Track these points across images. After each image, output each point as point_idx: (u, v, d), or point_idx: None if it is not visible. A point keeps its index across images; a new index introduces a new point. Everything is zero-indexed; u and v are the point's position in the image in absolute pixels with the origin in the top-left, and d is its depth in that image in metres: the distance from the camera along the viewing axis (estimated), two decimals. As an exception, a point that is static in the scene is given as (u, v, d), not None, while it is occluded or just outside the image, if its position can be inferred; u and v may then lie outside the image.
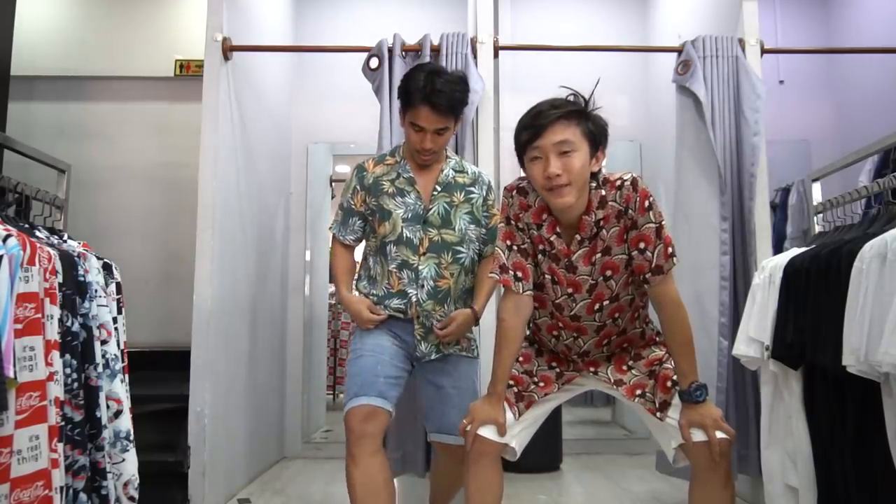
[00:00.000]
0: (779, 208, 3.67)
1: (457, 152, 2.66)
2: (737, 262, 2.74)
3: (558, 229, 1.63)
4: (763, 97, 2.76)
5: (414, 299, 2.01)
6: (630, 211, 1.58)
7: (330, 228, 2.21)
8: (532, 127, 1.54)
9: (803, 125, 4.12)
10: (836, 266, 1.79)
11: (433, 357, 2.05)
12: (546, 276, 1.65)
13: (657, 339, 1.78)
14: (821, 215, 2.62)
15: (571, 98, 1.57)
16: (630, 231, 1.59)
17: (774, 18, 4.17)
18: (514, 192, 1.70)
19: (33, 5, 3.89)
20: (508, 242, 1.68)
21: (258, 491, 3.10)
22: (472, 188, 2.09)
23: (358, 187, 2.11)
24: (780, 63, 4.13)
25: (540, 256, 1.67)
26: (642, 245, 1.59)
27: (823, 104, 4.18)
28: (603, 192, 1.60)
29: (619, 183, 1.59)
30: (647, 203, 1.57)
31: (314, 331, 4.25)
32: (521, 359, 1.77)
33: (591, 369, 1.74)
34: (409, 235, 2.02)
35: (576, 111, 1.55)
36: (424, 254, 2.02)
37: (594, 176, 1.60)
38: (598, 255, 1.61)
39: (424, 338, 2.04)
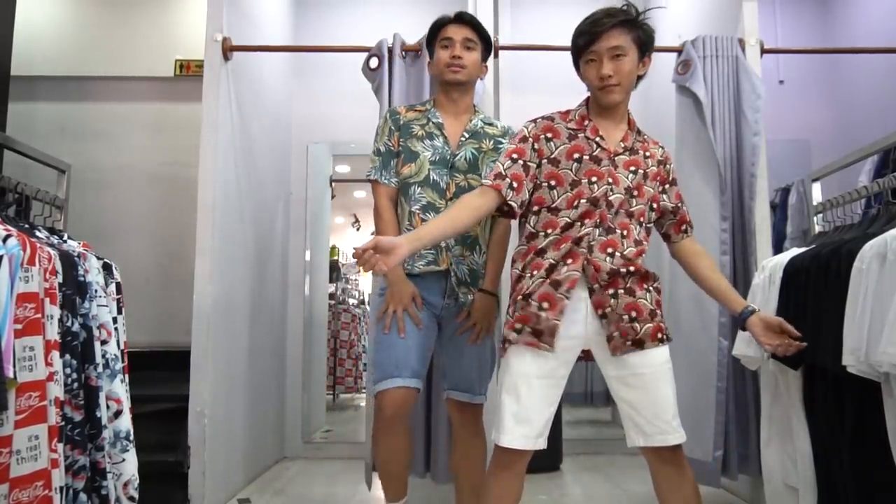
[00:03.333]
0: (779, 208, 3.66)
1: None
2: (737, 262, 2.74)
3: (601, 133, 1.76)
4: (763, 97, 2.75)
5: (443, 244, 2.02)
6: (668, 166, 1.84)
7: (369, 176, 2.15)
8: (589, 33, 1.71)
9: (803, 125, 4.12)
10: (836, 266, 1.79)
11: (469, 299, 2.07)
12: (584, 179, 1.73)
13: (657, 310, 1.73)
14: (821, 215, 2.62)
15: (625, 7, 1.74)
16: (670, 186, 1.84)
17: (774, 18, 4.17)
18: (540, 118, 1.81)
19: (33, 5, 3.88)
20: (515, 156, 1.75)
21: (258, 491, 3.10)
22: (501, 139, 2.13)
23: (393, 128, 2.14)
24: (780, 63, 4.13)
25: (574, 166, 1.74)
26: (678, 203, 1.86)
27: (823, 104, 4.17)
28: (646, 135, 1.84)
29: (661, 144, 1.87)
30: (675, 173, 1.87)
31: (314, 331, 4.25)
32: (518, 326, 1.71)
33: (587, 262, 1.68)
34: (435, 178, 2.07)
35: (628, 20, 1.71)
36: (451, 199, 2.05)
37: (639, 80, 1.79)
38: (640, 171, 1.77)
39: (460, 284, 2.07)
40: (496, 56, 2.82)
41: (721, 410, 2.63)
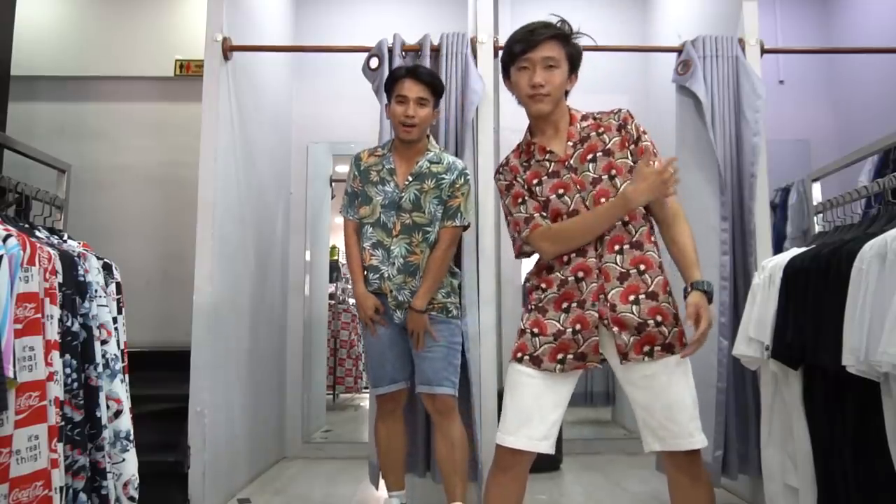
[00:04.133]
0: (779, 208, 3.67)
1: (457, 153, 2.66)
2: (737, 262, 2.74)
3: (549, 148, 1.79)
4: (763, 97, 2.75)
5: (386, 275, 2.35)
6: (629, 126, 1.78)
7: (341, 212, 2.50)
8: (526, 41, 1.74)
9: (803, 125, 4.12)
10: (836, 266, 1.79)
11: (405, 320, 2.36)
12: (552, 197, 1.75)
13: (674, 307, 1.72)
14: (821, 215, 2.62)
15: (559, 24, 1.78)
16: (634, 144, 1.77)
17: (774, 18, 4.17)
18: (502, 167, 1.86)
19: (33, 5, 3.89)
20: (520, 200, 1.80)
21: (258, 491, 3.10)
22: (444, 175, 2.37)
23: (356, 172, 2.46)
24: (780, 63, 4.13)
25: (538, 189, 1.77)
26: (651, 161, 1.74)
27: (823, 104, 4.18)
28: (594, 115, 1.82)
29: (616, 109, 1.82)
30: (642, 127, 1.80)
31: (314, 331, 4.25)
32: (536, 330, 1.72)
33: (604, 278, 1.69)
34: (384, 220, 2.37)
35: (563, 34, 1.77)
36: (397, 235, 2.35)
37: (566, 94, 1.82)
38: (600, 154, 1.75)
39: (398, 307, 2.35)
40: (496, 56, 2.82)
41: (721, 410, 2.63)
